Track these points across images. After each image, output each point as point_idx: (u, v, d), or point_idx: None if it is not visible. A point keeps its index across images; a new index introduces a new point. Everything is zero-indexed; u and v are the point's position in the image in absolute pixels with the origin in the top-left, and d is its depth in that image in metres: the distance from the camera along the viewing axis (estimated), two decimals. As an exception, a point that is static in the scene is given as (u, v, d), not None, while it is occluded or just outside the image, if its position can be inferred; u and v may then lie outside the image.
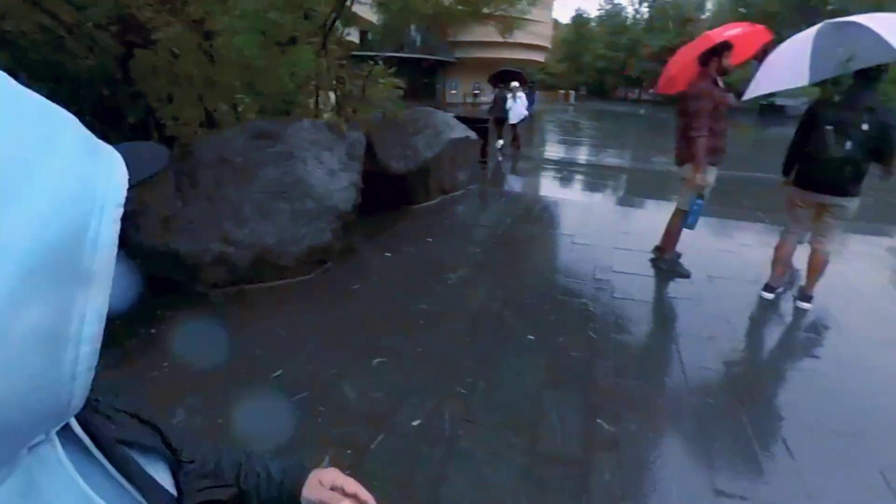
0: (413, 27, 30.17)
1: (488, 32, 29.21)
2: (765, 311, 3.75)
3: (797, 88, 3.59)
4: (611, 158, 11.85)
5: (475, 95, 32.74)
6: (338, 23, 6.29)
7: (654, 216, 5.96)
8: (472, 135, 7.07)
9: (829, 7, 37.75)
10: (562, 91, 48.02)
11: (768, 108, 33.56)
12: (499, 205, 6.54)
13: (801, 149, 3.58)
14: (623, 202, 7.36)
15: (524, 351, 3.01)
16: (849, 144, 3.23)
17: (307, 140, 4.38)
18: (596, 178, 9.07)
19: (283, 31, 5.31)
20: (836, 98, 3.33)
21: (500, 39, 28.81)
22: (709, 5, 49.82)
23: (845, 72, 3.17)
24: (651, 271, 4.40)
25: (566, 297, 3.78)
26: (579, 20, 57.40)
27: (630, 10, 54.36)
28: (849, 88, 3.30)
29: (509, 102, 10.52)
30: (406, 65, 31.09)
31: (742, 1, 43.02)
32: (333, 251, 4.26)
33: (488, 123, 8.58)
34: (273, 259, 3.87)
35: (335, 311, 3.49)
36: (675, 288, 4.07)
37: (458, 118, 8.53)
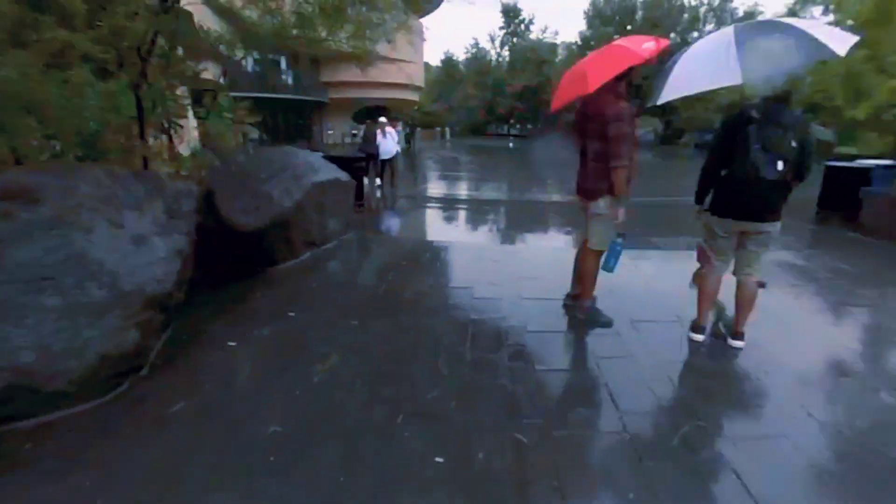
0: (285, 68, 28.78)
1: (365, 72, 28.33)
2: (700, 356, 3.18)
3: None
4: (493, 193, 11.56)
5: (353, 135, 32.00)
6: (162, 47, 5.01)
7: (555, 254, 5.41)
8: (344, 176, 6.06)
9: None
10: (438, 128, 49.20)
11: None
12: (380, 255, 5.56)
13: (718, 172, 3.13)
14: (517, 241, 6.80)
15: (430, 485, 2.01)
16: (780, 164, 2.80)
17: (95, 197, 3.05)
18: (483, 214, 8.55)
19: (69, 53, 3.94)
20: (755, 115, 2.88)
21: (374, 80, 28.41)
22: (560, 50, 54.61)
23: (778, 74, 2.76)
24: (567, 324, 3.68)
25: (477, 379, 2.86)
26: (448, 62, 59.88)
27: (493, 54, 57.77)
28: (765, 105, 2.89)
29: (379, 138, 10.25)
30: (279, 106, 29.52)
31: (586, 46, 47.78)
32: (145, 355, 2.94)
33: (363, 162, 7.64)
34: (37, 383, 2.46)
35: (138, 456, 2.20)
36: (601, 343, 3.37)
37: (330, 158, 7.52)
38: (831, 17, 33.53)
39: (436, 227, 7.56)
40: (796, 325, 3.79)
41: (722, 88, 3.05)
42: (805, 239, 6.79)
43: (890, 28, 24.84)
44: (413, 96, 35.67)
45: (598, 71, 3.15)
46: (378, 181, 10.31)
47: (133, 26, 4.28)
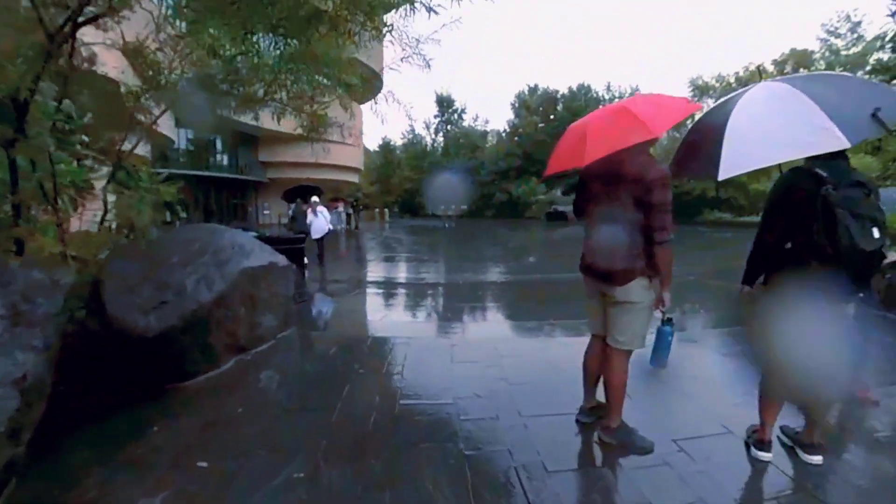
0: (221, 147, 27.65)
1: (302, 153, 28.00)
2: (800, 486, 2.22)
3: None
4: (446, 273, 10.63)
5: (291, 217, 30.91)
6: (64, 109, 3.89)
7: (540, 348, 4.46)
8: (282, 260, 4.93)
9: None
10: (377, 209, 49.04)
11: (552, 213, 38.27)
12: (329, 360, 4.32)
13: (781, 247, 2.38)
14: (488, 331, 5.75)
15: None
16: (876, 231, 2.07)
17: None
18: (441, 298, 7.55)
19: None
20: (823, 174, 2.17)
21: (314, 161, 27.93)
22: (489, 137, 57.54)
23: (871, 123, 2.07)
24: (596, 455, 2.65)
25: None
26: (386, 147, 61.26)
27: (428, 139, 59.88)
28: (829, 162, 2.20)
29: (310, 217, 9.99)
30: (215, 185, 28.01)
31: (514, 133, 50.67)
32: None
33: (304, 243, 6.51)
34: None
35: None
36: (653, 482, 2.33)
37: (265, 239, 6.38)
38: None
39: (391, 316, 6.28)
40: None
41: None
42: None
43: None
44: (353, 178, 35.40)
45: (597, 142, 2.41)
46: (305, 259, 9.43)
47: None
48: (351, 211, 25.68)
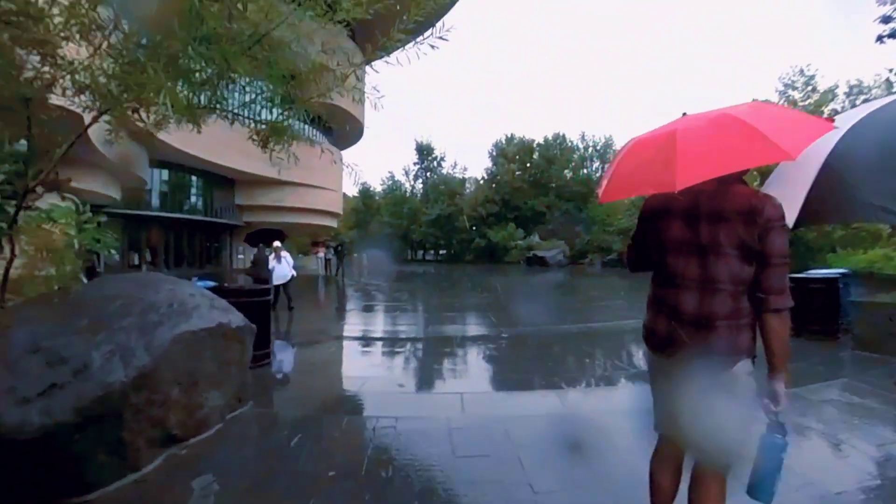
0: (196, 189, 26.51)
1: (279, 197, 26.98)
2: None
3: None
4: (434, 325, 9.52)
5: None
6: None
7: (571, 429, 3.55)
8: (236, 319, 3.92)
9: (553, 184, 47.22)
10: (355, 255, 48.05)
11: (532, 258, 37.92)
12: (288, 456, 3.24)
13: None
14: (497, 404, 4.59)
15: None
16: None
17: None
18: (430, 357, 6.48)
19: None
20: None
21: (292, 205, 27.00)
22: (468, 184, 57.77)
23: None
24: None
25: None
26: (366, 193, 60.94)
27: (408, 186, 59.83)
28: None
29: (272, 262, 9.58)
30: (189, 228, 26.65)
31: (492, 180, 50.97)
32: None
33: (270, 294, 5.46)
34: None
35: None
36: None
37: (224, 290, 5.39)
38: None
39: (372, 383, 4.95)
40: None
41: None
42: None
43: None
44: (331, 223, 34.45)
45: (697, 161, 1.61)
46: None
47: None
48: (332, 256, 24.37)
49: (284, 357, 6.22)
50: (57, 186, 5.34)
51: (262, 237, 10.49)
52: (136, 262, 23.27)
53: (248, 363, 4.27)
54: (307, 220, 30.23)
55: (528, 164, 49.45)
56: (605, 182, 2.01)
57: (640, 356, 6.12)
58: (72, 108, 3.86)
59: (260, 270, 9.43)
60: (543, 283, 21.74)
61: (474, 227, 49.80)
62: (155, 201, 23.96)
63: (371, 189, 62.00)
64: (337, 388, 5.06)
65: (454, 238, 52.62)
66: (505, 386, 5.10)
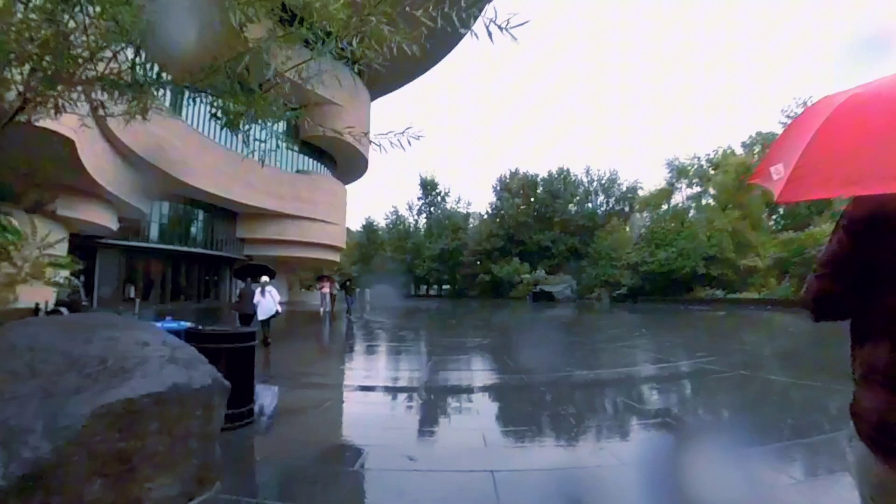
0: (197, 221, 25.76)
1: (282, 230, 26.00)
2: None
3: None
4: (446, 372, 8.31)
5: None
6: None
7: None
8: (200, 376, 2.93)
9: (557, 218, 46.60)
10: (358, 289, 47.05)
11: (538, 293, 36.88)
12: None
13: None
14: (541, 490, 3.65)
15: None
16: None
17: None
18: (448, 417, 5.29)
19: None
20: None
21: (294, 238, 26.08)
22: (472, 218, 57.28)
23: None
24: None
25: None
26: (369, 227, 60.46)
27: (411, 221, 59.37)
28: None
29: (257, 297, 9.47)
30: (189, 260, 25.77)
31: (496, 214, 50.46)
32: None
33: (254, 340, 4.47)
34: None
35: None
36: None
37: (196, 334, 4.42)
38: (700, 189, 39.17)
39: (374, 457, 3.70)
40: None
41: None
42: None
43: (751, 195, 28.53)
44: (334, 257, 33.60)
45: None
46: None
47: None
48: (338, 291, 22.94)
49: (269, 414, 5.18)
50: (35, 209, 4.68)
51: (250, 272, 10.39)
52: (132, 294, 22.19)
53: (218, 431, 3.25)
54: (309, 253, 29.38)
55: (533, 199, 49.03)
56: (785, 170, 1.08)
57: (690, 408, 5.03)
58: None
59: (245, 305, 9.46)
60: (555, 320, 20.59)
61: (479, 262, 48.95)
62: (154, 233, 23.15)
63: (375, 224, 61.63)
64: (332, 459, 3.98)
65: (458, 273, 51.71)
66: (551, 458, 3.99)
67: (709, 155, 38.91)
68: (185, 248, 24.39)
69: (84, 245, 18.56)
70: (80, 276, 20.96)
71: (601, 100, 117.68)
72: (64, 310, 8.91)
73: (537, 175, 50.01)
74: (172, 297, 24.72)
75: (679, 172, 39.96)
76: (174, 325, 6.15)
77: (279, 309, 9.94)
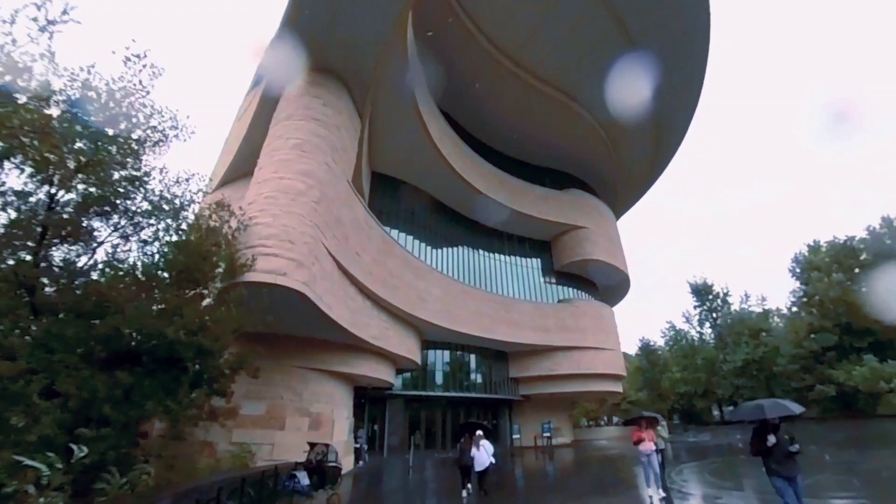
0: (475, 367, 25.69)
1: (552, 365, 22.99)
2: None
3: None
4: None
5: (548, 438, 24.62)
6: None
7: None
8: None
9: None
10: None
11: None
12: None
13: None
14: None
15: None
16: None
17: None
18: None
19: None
20: None
21: (566, 371, 22.61)
22: (773, 318, 43.93)
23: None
24: None
25: None
26: (647, 348, 52.59)
27: (693, 333, 49.18)
28: None
29: (473, 451, 10.28)
30: (465, 406, 25.26)
31: (810, 304, 36.86)
32: None
33: None
34: None
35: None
36: None
37: None
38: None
39: None
40: None
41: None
42: None
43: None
44: (615, 387, 28.50)
45: None
46: (465, 494, 10.19)
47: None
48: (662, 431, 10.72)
49: None
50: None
51: (468, 429, 11.08)
52: (417, 441, 21.98)
53: None
54: (587, 387, 25.48)
55: (856, 270, 34.40)
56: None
57: None
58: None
59: (463, 459, 10.38)
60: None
61: (806, 370, 35.33)
62: (436, 381, 23.37)
63: (652, 343, 53.32)
64: None
65: (775, 386, 38.03)
66: None
67: None
68: (462, 394, 23.84)
69: (375, 397, 19.75)
70: (374, 426, 22.14)
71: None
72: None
73: (853, 238, 35.84)
74: (454, 444, 23.82)
75: None
76: None
77: (493, 461, 10.59)
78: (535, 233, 27.71)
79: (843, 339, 33.25)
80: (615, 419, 50.32)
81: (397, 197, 20.64)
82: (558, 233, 28.02)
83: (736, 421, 6.73)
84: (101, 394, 5.58)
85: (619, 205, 35.72)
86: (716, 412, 46.90)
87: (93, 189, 6.68)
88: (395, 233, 18.95)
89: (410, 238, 20.56)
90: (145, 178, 7.17)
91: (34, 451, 4.77)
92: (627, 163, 31.25)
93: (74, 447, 5.06)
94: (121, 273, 6.76)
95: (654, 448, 9.39)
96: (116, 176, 6.85)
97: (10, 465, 4.54)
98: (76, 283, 6.59)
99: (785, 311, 42.04)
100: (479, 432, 10.71)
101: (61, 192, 6.49)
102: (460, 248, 24.07)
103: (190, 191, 7.88)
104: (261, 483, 8.15)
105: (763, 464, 5.61)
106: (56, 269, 6.59)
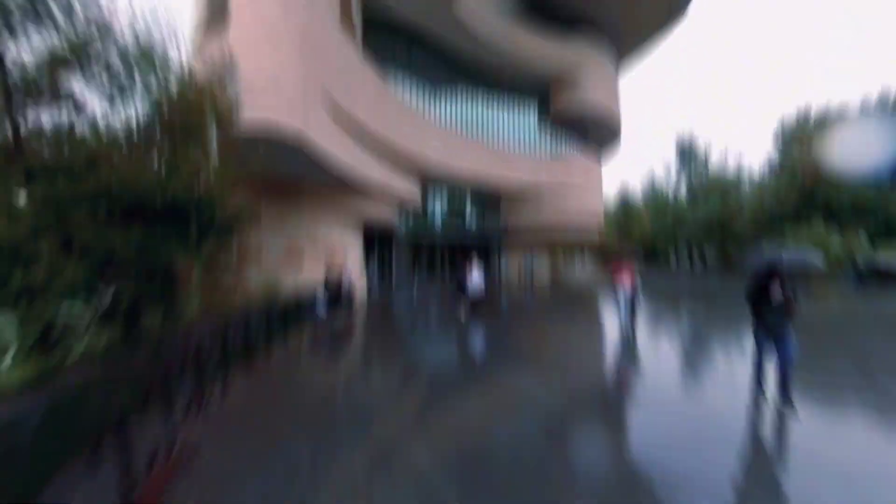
0: (468, 211, 27.70)
1: (544, 214, 24.42)
2: None
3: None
4: None
5: (530, 273, 29.18)
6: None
7: None
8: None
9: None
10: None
11: (866, 273, 25.47)
12: None
13: None
14: None
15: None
16: None
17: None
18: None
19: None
20: None
21: (557, 219, 23.85)
22: (747, 184, 44.50)
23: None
24: None
25: None
26: (625, 204, 55.21)
27: (670, 194, 50.63)
28: None
29: (470, 276, 11.56)
30: (462, 249, 27.75)
31: (784, 171, 37.35)
32: None
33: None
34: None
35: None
36: None
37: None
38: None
39: None
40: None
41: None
42: None
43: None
44: (594, 237, 30.79)
45: None
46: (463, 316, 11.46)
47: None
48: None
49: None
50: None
51: (463, 254, 12.93)
52: (422, 279, 25.19)
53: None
54: (567, 236, 28.00)
55: (833, 139, 33.69)
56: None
57: None
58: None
59: (461, 280, 11.89)
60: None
61: (758, 233, 37.65)
62: (437, 225, 25.60)
63: (631, 193, 55.67)
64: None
65: (730, 244, 40.96)
66: None
67: None
68: (459, 238, 26.01)
69: (383, 237, 22.43)
70: (383, 265, 24.89)
71: None
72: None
73: (843, 105, 34.59)
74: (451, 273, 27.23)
75: None
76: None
77: (482, 285, 11.99)
78: (534, 77, 27.38)
79: (800, 206, 34.61)
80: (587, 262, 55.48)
81: (393, 47, 20.88)
82: (556, 77, 27.49)
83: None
84: (119, 245, 5.97)
85: (625, 50, 32.98)
86: (673, 260, 51.11)
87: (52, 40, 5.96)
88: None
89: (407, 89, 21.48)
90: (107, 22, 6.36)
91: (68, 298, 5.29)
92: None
93: (104, 288, 5.62)
94: (110, 134, 6.54)
95: (628, 289, 8.23)
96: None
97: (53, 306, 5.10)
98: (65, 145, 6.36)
99: (757, 177, 42.61)
100: (474, 252, 12.06)
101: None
102: (458, 98, 24.75)
103: (164, 35, 7.11)
104: (285, 311, 9.66)
105: (752, 315, 5.01)
106: (44, 133, 6.29)
